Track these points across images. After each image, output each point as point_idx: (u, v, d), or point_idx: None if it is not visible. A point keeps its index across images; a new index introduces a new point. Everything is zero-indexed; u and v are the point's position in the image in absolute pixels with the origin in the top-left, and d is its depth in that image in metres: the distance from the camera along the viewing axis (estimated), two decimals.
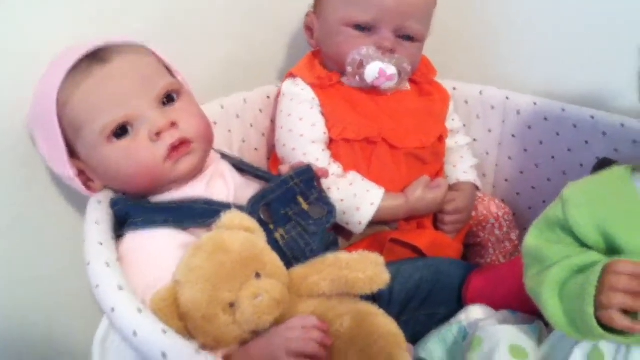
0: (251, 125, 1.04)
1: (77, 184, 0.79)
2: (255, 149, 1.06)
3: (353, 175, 0.94)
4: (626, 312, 0.60)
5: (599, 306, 0.60)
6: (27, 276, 0.88)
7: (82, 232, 0.74)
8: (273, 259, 0.70)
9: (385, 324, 0.69)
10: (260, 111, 1.05)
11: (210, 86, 1.00)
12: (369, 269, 0.69)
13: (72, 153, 0.78)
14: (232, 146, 1.01)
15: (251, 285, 0.66)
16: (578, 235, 0.67)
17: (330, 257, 0.72)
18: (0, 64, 0.78)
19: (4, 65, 0.79)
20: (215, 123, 0.95)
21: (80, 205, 0.84)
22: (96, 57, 0.76)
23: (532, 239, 0.71)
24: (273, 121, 1.05)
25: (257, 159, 1.05)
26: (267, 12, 1.10)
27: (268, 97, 1.06)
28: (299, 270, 0.72)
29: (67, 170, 0.78)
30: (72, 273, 0.76)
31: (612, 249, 0.65)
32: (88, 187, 0.80)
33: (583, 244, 0.67)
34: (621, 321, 0.59)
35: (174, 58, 0.85)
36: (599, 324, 0.60)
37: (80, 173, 0.79)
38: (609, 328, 0.60)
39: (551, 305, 0.65)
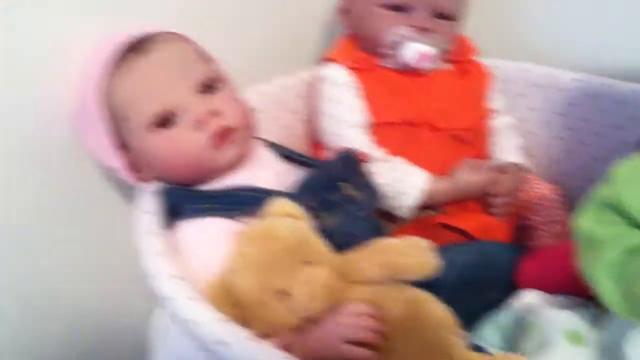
0: (291, 112, 1.04)
1: (126, 175, 0.80)
2: (297, 135, 1.06)
3: (397, 160, 0.93)
4: None
5: None
6: (81, 267, 0.89)
7: (133, 221, 0.75)
8: (321, 245, 0.70)
9: (437, 310, 0.68)
10: (300, 97, 1.05)
11: (248, 73, 0.99)
12: (419, 254, 0.68)
13: (119, 144, 0.79)
14: (273, 133, 1.01)
15: (301, 272, 0.66)
16: (629, 215, 0.65)
17: (379, 242, 0.71)
18: (39, 59, 0.78)
19: (43, 60, 0.78)
20: (256, 109, 0.95)
21: (130, 195, 0.85)
22: (136, 47, 0.76)
23: (583, 221, 0.69)
24: (313, 106, 1.04)
25: (299, 145, 1.05)
26: None
27: (307, 82, 1.05)
28: (348, 256, 0.71)
29: (115, 162, 0.79)
30: (125, 262, 0.76)
31: None
32: (137, 178, 0.81)
33: (636, 224, 0.66)
34: None
35: (211, 46, 0.85)
36: None
37: (129, 164, 0.80)
38: None
39: (607, 288, 0.63)
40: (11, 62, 0.75)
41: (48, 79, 0.79)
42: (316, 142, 1.01)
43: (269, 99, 1.01)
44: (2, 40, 0.74)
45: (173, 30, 0.81)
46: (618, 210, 0.66)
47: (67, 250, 0.88)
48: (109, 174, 0.86)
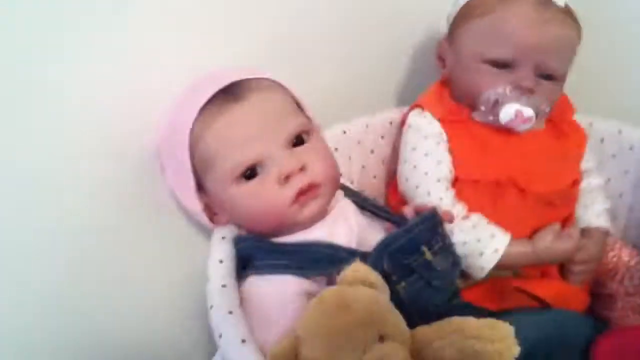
0: (372, 152, 1.02)
1: (203, 218, 0.80)
2: (374, 176, 1.03)
3: (477, 218, 0.89)
4: None
5: None
6: (148, 304, 0.89)
7: (206, 269, 0.74)
8: (397, 319, 0.67)
9: None
10: (382, 137, 1.02)
11: (330, 111, 0.97)
12: (499, 340, 0.65)
13: (200, 186, 0.78)
14: (351, 173, 0.99)
15: (375, 349, 0.63)
16: None
17: (456, 321, 0.68)
18: (128, 83, 0.78)
19: (132, 88, 0.78)
20: (336, 149, 0.93)
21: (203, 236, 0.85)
22: (231, 92, 0.75)
23: None
24: (394, 149, 1.01)
25: (376, 187, 1.03)
26: (389, 33, 1.05)
27: (390, 123, 1.02)
28: (422, 331, 0.68)
29: (194, 204, 0.79)
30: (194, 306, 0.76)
31: None
32: (212, 221, 0.80)
33: None
34: None
35: (294, 82, 0.83)
36: None
37: (206, 207, 0.79)
38: None
39: None
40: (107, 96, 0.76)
41: (134, 115, 0.79)
42: (394, 187, 0.98)
43: (351, 138, 0.98)
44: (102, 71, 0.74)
45: (268, 75, 0.80)
46: None
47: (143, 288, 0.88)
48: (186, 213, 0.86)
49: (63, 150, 0.74)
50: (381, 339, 0.65)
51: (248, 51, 0.86)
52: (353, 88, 1.04)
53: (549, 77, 0.90)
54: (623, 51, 1.07)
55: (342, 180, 0.87)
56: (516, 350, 0.65)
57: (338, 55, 1.01)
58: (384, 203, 1.02)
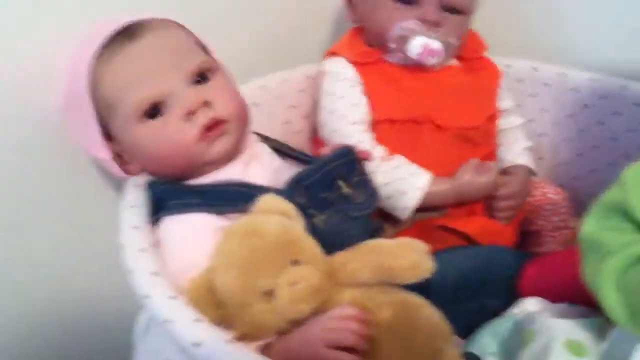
0: (293, 107, 1.01)
1: (113, 167, 0.78)
2: (298, 131, 1.03)
3: (398, 159, 0.90)
4: None
5: None
6: (66, 262, 0.87)
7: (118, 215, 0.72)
8: (311, 245, 0.66)
9: (430, 315, 0.65)
10: (302, 91, 1.02)
11: (249, 65, 0.96)
12: (412, 256, 0.65)
13: (107, 135, 0.76)
14: (274, 128, 0.98)
15: (288, 273, 0.62)
16: (637, 221, 0.61)
17: (371, 243, 0.68)
18: (25, 48, 0.76)
19: (29, 49, 0.77)
20: (256, 104, 0.92)
21: (117, 188, 0.83)
22: (127, 33, 0.74)
23: (589, 226, 0.65)
24: (315, 102, 1.01)
25: (300, 142, 1.02)
26: None
27: (310, 77, 1.02)
28: (338, 257, 0.68)
29: (102, 153, 0.77)
30: (111, 259, 0.74)
31: None
32: (125, 171, 0.78)
33: None
34: None
35: (209, 36, 0.82)
36: None
37: (116, 156, 0.78)
38: None
39: (610, 298, 0.59)
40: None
41: (37, 69, 0.77)
42: (318, 139, 0.98)
43: (269, 93, 0.98)
44: None
45: (168, 17, 0.79)
46: (625, 215, 0.62)
47: (56, 246, 0.86)
48: (98, 167, 0.84)
49: None
50: (295, 263, 0.64)
51: (160, 3, 0.84)
52: (271, 44, 1.03)
53: (454, 10, 0.91)
54: None
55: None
56: (429, 264, 0.65)
57: (258, 9, 1.01)
58: None
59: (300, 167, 0.82)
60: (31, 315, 0.87)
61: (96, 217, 0.86)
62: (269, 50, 1.03)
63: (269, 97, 0.98)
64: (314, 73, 1.02)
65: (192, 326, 0.58)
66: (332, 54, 0.97)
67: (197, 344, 0.56)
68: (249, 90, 0.91)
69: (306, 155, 0.86)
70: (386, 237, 0.79)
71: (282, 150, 0.85)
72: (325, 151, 0.84)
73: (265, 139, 0.86)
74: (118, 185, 0.82)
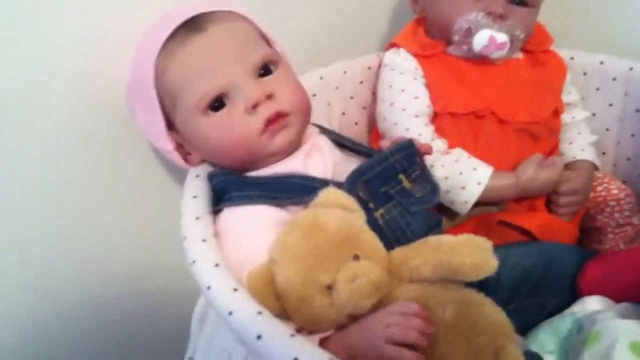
0: (351, 98, 1.01)
1: (176, 157, 0.79)
2: (356, 123, 1.02)
3: (459, 152, 0.88)
4: None
5: None
6: (127, 250, 0.89)
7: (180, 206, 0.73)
8: (372, 239, 0.66)
9: (492, 313, 0.64)
10: (361, 83, 1.01)
11: (309, 56, 0.96)
12: (475, 253, 0.64)
13: (170, 125, 0.77)
14: (332, 119, 0.98)
15: (349, 267, 0.62)
16: None
17: (433, 239, 0.67)
18: (96, 37, 0.78)
19: (100, 38, 0.78)
20: (314, 95, 0.92)
21: (180, 178, 0.84)
22: (192, 25, 0.74)
23: None
24: (374, 93, 1.00)
25: (358, 133, 1.02)
26: None
27: (369, 68, 1.01)
28: (399, 252, 0.68)
29: (165, 143, 0.78)
30: (172, 247, 0.75)
31: None
32: (186, 161, 0.79)
33: None
34: None
35: (271, 27, 0.82)
36: None
37: (179, 146, 0.79)
38: None
39: None
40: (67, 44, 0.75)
41: (103, 59, 0.78)
42: (376, 131, 0.98)
43: (329, 84, 0.97)
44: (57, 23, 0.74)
45: (233, 8, 0.79)
46: None
47: (118, 233, 0.88)
48: (161, 157, 0.85)
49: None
50: (356, 258, 0.64)
51: None
52: (331, 35, 1.03)
53: (521, 2, 0.89)
54: None
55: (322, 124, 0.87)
56: (494, 263, 0.64)
57: (318, 1, 1.00)
58: None
59: (360, 159, 0.82)
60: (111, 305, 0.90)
61: (160, 207, 0.87)
62: (329, 41, 1.03)
63: (327, 88, 0.97)
64: (374, 64, 1.01)
65: (254, 319, 0.58)
66: (393, 45, 0.96)
67: (259, 337, 0.56)
68: (307, 81, 0.91)
69: (366, 147, 0.86)
70: (445, 231, 0.79)
71: (342, 142, 0.84)
72: (385, 144, 0.83)
73: (325, 130, 0.85)
74: (181, 176, 0.83)
